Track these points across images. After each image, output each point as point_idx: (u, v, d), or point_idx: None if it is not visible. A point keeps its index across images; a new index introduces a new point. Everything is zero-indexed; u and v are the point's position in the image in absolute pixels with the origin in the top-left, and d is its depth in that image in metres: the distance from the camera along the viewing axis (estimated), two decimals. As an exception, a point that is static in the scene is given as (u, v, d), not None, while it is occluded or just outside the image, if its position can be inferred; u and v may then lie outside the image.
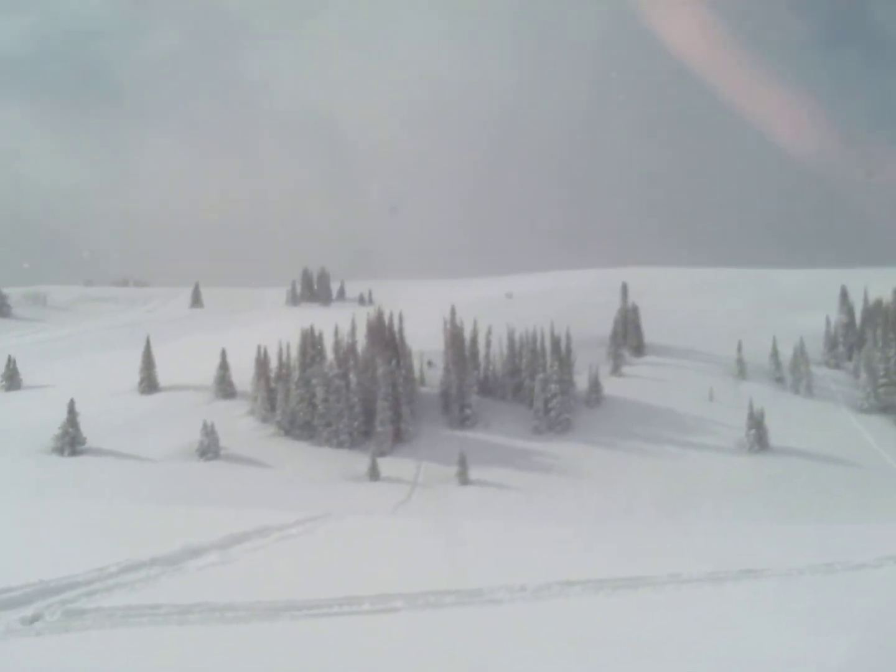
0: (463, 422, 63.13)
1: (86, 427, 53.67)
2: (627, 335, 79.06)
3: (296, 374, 62.66)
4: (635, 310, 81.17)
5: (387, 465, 54.90)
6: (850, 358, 76.00)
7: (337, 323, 67.38)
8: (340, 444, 58.89)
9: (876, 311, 77.86)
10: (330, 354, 65.27)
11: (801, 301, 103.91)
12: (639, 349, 78.53)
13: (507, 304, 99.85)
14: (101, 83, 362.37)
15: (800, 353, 71.27)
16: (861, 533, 27.17)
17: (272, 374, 64.09)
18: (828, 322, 79.53)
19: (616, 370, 72.69)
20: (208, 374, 65.46)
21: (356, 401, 60.26)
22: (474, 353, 69.80)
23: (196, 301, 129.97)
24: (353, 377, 61.36)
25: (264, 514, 24.91)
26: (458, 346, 68.45)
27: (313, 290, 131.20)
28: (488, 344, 70.41)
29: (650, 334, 79.79)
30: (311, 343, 66.01)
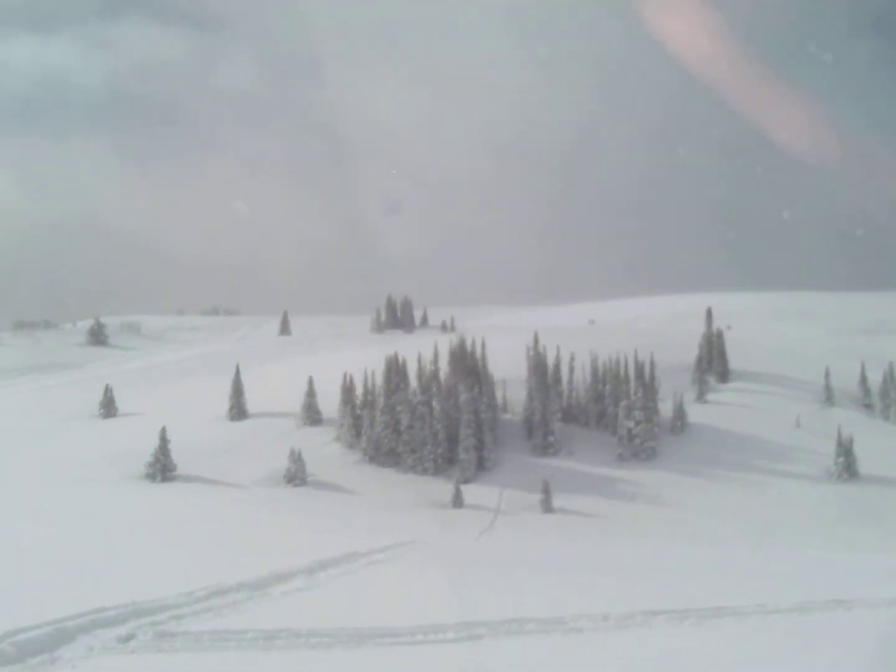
0: (546, 449, 62.72)
1: (177, 453, 54.97)
2: (712, 361, 77.59)
3: (381, 401, 63.16)
4: (720, 335, 79.71)
5: (470, 492, 54.85)
6: (942, 383, 73.19)
7: (420, 350, 67.89)
8: (424, 471, 59.05)
9: (970, 334, 75.12)
10: (414, 381, 65.70)
11: (888, 324, 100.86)
12: (724, 375, 76.97)
13: (589, 331, 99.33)
14: (181, 117, 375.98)
15: (889, 379, 69.02)
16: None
17: (358, 401, 64.69)
18: (918, 345, 76.95)
19: (701, 397, 71.37)
20: (296, 400, 66.43)
21: (440, 428, 60.42)
22: (557, 380, 69.29)
23: (284, 329, 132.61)
24: (436, 404, 61.58)
25: (351, 541, 25.19)
26: (541, 373, 68.14)
27: (397, 317, 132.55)
28: (571, 371, 69.85)
29: (735, 360, 78.23)
30: (395, 370, 66.48)
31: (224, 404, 68.18)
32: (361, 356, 71.87)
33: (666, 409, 65.82)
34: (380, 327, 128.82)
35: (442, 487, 55.22)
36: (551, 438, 63.00)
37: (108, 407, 71.69)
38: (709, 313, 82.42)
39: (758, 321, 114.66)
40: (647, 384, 66.02)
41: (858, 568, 24.55)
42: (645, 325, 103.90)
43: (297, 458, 54.96)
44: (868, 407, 69.74)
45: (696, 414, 67.07)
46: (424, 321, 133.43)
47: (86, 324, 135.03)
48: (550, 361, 69.68)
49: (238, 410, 68.02)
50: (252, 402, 68.47)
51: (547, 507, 52.72)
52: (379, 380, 65.61)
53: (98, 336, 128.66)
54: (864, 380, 70.87)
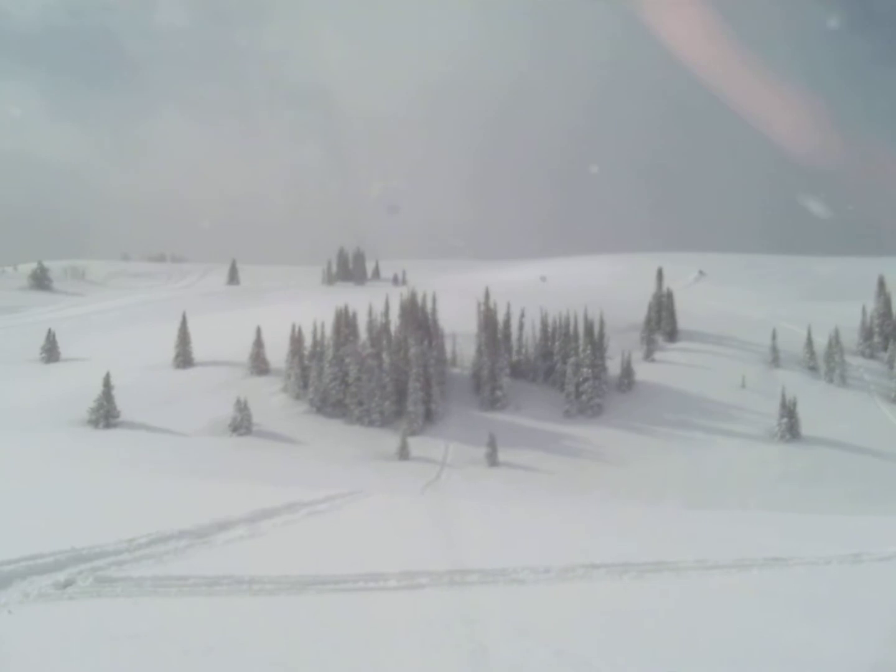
0: (494, 404, 63.15)
1: (120, 400, 54.36)
2: (661, 321, 78.55)
3: (329, 353, 62.98)
4: (669, 295, 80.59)
5: (417, 444, 55.13)
6: (885, 348, 74.87)
7: (371, 302, 67.64)
8: (371, 423, 59.19)
9: (914, 301, 76.79)
10: (363, 334, 65.58)
11: (837, 289, 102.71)
12: (672, 335, 78.01)
13: (540, 288, 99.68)
14: (118, 59, 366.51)
15: (834, 343, 70.36)
16: (891, 525, 26.89)
17: (306, 352, 64.46)
18: (864, 311, 78.43)
19: (648, 355, 72.31)
20: (243, 350, 65.96)
21: (388, 380, 60.49)
22: (507, 336, 69.70)
23: (232, 278, 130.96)
24: (385, 357, 61.56)
25: (294, 490, 25.12)
26: (491, 329, 68.40)
27: (348, 269, 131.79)
28: (521, 327, 70.27)
29: (683, 321, 79.25)
30: (345, 322, 66.35)
31: (170, 352, 67.47)
32: (311, 307, 71.42)
33: (614, 366, 66.60)
34: (330, 279, 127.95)
35: (388, 439, 55.43)
36: (499, 393, 63.42)
37: (51, 351, 70.37)
38: (659, 273, 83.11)
39: (707, 283, 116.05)
40: (596, 342, 66.68)
41: (797, 527, 25.13)
42: (596, 283, 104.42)
43: (242, 407, 54.70)
44: (813, 369, 71.09)
45: (644, 372, 67.96)
46: (376, 274, 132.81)
47: (27, 267, 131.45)
48: (501, 317, 69.97)
49: (184, 358, 67.35)
50: (198, 351, 67.86)
51: (492, 461, 53.21)
52: (328, 331, 65.40)
53: (41, 280, 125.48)
54: (809, 342, 72.12)
